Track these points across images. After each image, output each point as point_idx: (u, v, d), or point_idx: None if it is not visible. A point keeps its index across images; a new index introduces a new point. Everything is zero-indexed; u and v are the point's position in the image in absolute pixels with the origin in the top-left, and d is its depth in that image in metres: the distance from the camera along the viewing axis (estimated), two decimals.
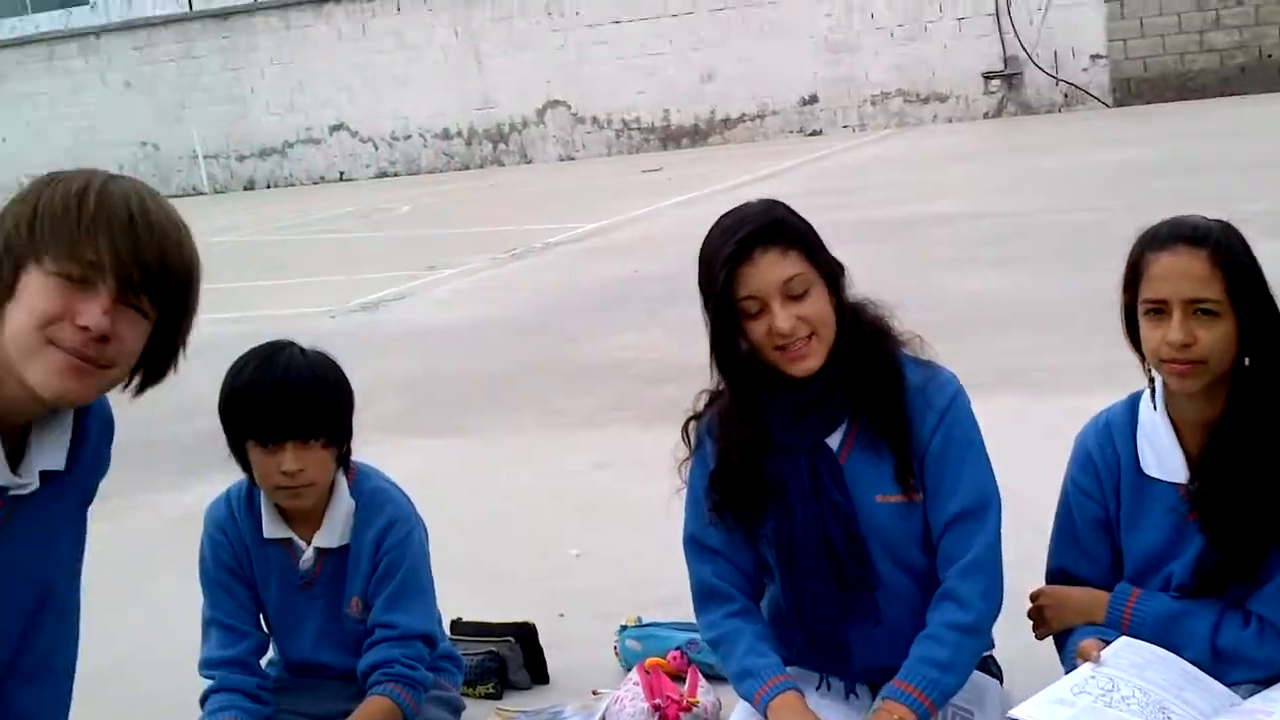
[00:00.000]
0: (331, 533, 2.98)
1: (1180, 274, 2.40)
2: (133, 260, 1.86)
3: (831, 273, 2.53)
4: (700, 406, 2.69)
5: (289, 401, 2.78)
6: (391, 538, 2.98)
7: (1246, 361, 2.45)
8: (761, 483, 2.58)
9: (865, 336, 2.56)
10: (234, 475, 3.03)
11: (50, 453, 2.02)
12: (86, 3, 28.37)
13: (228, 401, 2.85)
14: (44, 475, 2.02)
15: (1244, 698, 2.40)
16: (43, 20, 28.09)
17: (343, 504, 2.98)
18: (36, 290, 1.85)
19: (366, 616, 2.99)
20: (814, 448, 2.57)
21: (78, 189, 1.86)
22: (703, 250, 2.52)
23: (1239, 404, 2.46)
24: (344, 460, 2.97)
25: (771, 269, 2.44)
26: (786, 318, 2.43)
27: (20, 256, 1.85)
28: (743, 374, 2.55)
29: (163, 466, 5.50)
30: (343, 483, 2.99)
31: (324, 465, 2.88)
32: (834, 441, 2.58)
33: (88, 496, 2.20)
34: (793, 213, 2.55)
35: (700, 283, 2.52)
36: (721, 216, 2.55)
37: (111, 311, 1.87)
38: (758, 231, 2.45)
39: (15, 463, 1.96)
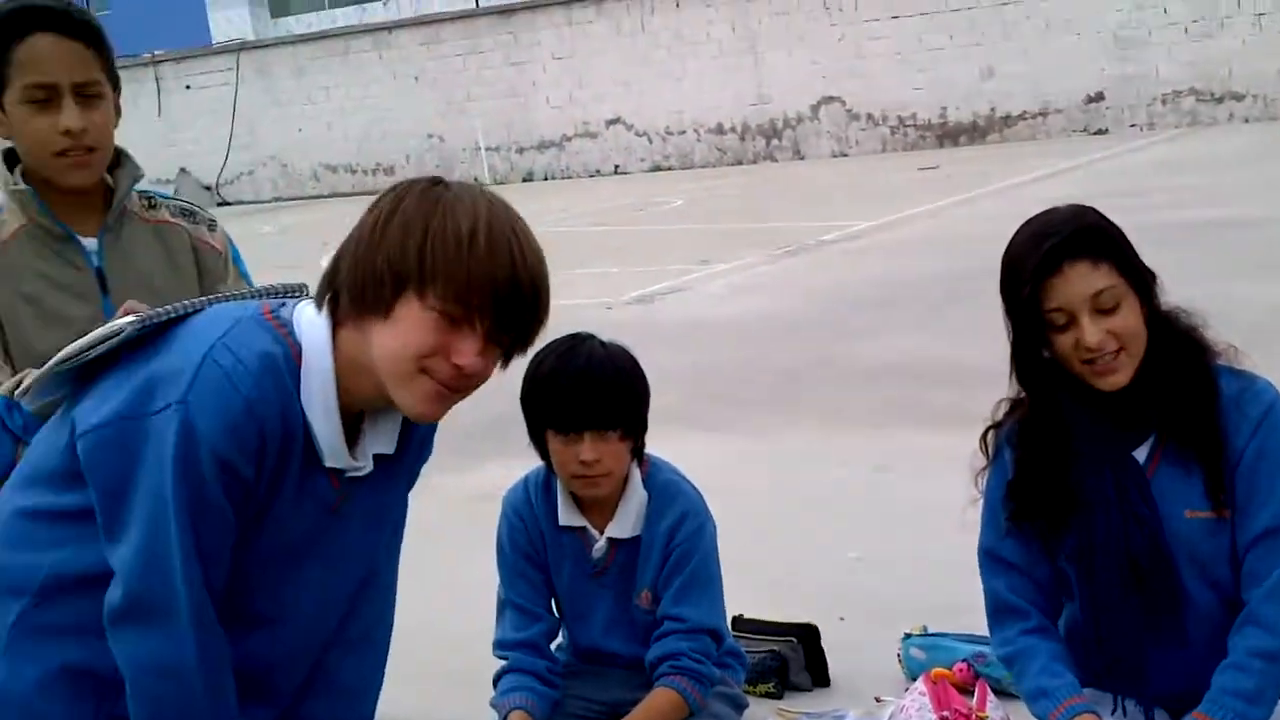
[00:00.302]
0: (624, 523, 3.03)
1: None
2: (511, 307, 1.93)
3: (1143, 282, 2.44)
4: (1000, 415, 2.63)
5: (588, 392, 2.84)
6: (684, 531, 3.01)
7: None
8: (1063, 494, 2.51)
9: (1177, 348, 2.46)
10: (523, 460, 3.11)
11: (383, 437, 2.11)
12: None
13: (529, 391, 2.93)
14: (376, 459, 2.10)
15: None
16: (339, 16, 29.42)
17: (636, 495, 3.03)
18: (416, 323, 1.92)
19: (655, 608, 3.04)
20: (1119, 460, 2.49)
21: (469, 229, 1.90)
22: (1007, 256, 2.46)
23: None
24: (638, 452, 3.02)
25: (1081, 282, 2.36)
26: (1096, 332, 2.36)
27: (403, 279, 1.91)
28: (1046, 383, 2.49)
29: (454, 448, 5.67)
30: (636, 474, 3.04)
31: (620, 456, 2.93)
32: (1141, 454, 2.49)
33: (412, 479, 2.29)
34: (1104, 219, 2.46)
35: (1003, 289, 2.46)
36: (1028, 221, 2.47)
37: (484, 350, 1.96)
38: (1066, 242, 2.37)
39: (350, 446, 2.06)
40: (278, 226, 19.74)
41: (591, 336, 2.96)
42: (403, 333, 1.93)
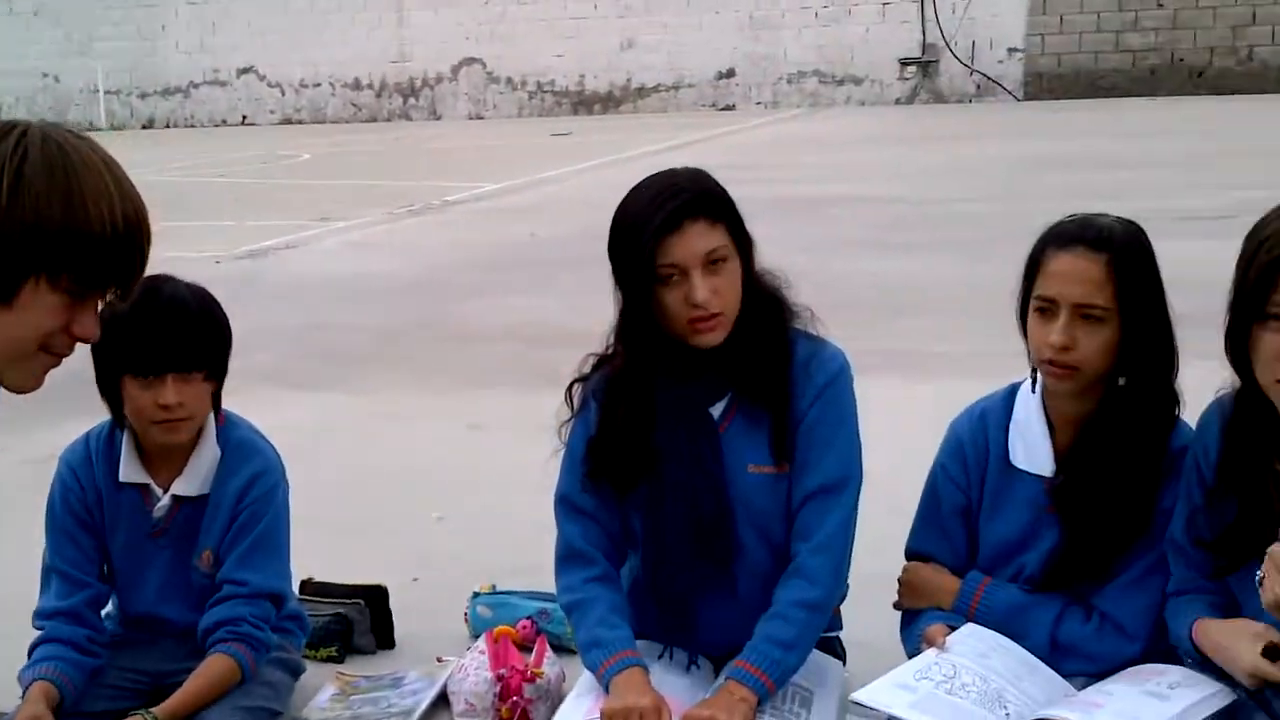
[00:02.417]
0: (192, 480, 2.87)
1: (1074, 277, 2.39)
2: (131, 274, 1.88)
3: (747, 247, 2.51)
4: (587, 369, 2.65)
5: (172, 331, 2.67)
6: (254, 491, 2.88)
7: (1121, 380, 2.45)
8: (642, 449, 2.54)
9: (762, 311, 2.53)
10: (90, 420, 2.89)
11: None
12: None
13: (104, 333, 2.70)
14: None
15: (1078, 689, 2.42)
16: None
17: (208, 450, 2.87)
18: (46, 308, 1.83)
19: (215, 571, 2.88)
20: (696, 415, 2.54)
21: (109, 214, 1.80)
22: (624, 213, 2.47)
23: (1110, 405, 2.47)
24: (216, 404, 2.86)
25: (699, 239, 2.41)
26: (704, 288, 2.40)
27: (37, 269, 1.80)
28: (644, 341, 2.50)
29: (22, 406, 5.29)
30: (210, 429, 2.88)
31: (203, 399, 2.78)
32: (717, 410, 2.56)
33: None
34: (718, 184, 2.52)
35: (614, 246, 2.47)
36: (647, 181, 2.50)
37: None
38: (690, 202, 2.41)
39: None
40: None
41: (171, 277, 2.77)
42: (31, 319, 1.82)
